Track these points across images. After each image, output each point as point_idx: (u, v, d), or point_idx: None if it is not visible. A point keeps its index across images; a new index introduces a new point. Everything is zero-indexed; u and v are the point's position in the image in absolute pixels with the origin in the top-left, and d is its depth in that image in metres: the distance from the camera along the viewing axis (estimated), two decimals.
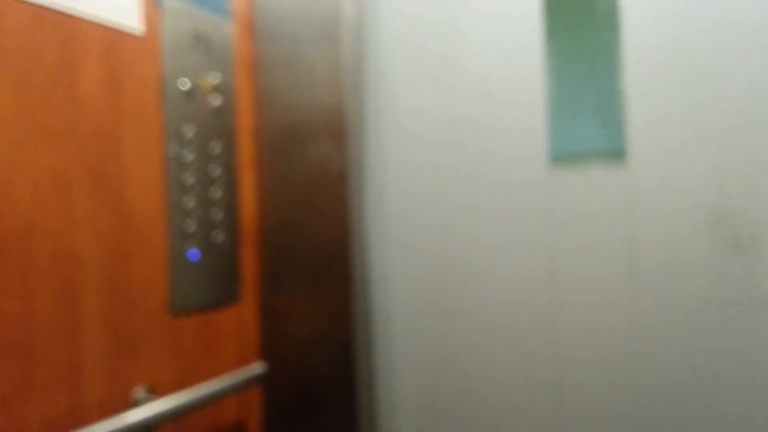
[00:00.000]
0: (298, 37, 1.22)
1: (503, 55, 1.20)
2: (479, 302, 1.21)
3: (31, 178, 0.83)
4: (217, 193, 1.13)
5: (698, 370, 1.06)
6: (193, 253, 1.08)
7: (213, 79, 1.13)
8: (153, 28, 1.02)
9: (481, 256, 1.21)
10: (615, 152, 1.12)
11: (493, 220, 1.20)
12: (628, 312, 1.11)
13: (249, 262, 1.21)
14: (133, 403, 0.96)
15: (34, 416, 0.82)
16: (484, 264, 1.21)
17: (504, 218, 1.19)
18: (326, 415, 1.19)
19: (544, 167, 1.16)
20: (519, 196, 1.18)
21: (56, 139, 0.87)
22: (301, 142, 1.21)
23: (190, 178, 1.08)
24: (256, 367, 1.14)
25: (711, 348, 1.05)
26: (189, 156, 1.08)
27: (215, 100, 1.14)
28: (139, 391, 0.97)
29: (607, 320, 1.12)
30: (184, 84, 1.07)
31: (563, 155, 1.15)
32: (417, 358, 1.26)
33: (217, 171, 1.13)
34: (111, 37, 0.95)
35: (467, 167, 1.22)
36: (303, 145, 1.21)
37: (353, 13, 1.22)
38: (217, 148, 1.14)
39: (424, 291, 1.25)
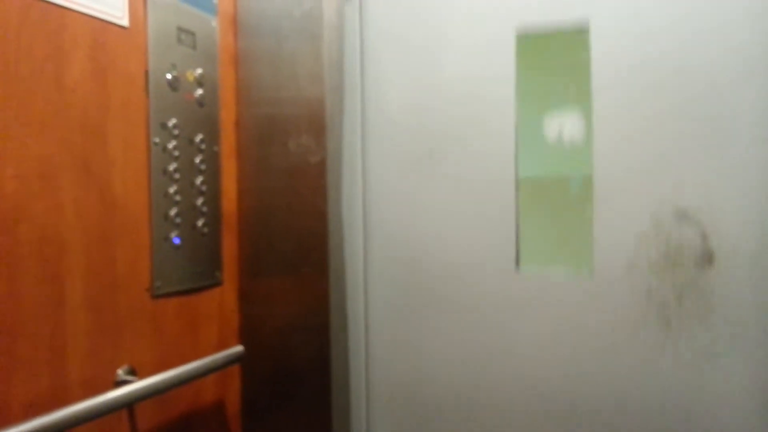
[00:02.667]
0: (281, 33, 1.21)
1: (479, 55, 1.20)
2: (452, 290, 1.22)
3: (18, 166, 0.82)
4: (199, 181, 1.12)
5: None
6: (175, 239, 1.07)
7: (197, 72, 1.12)
8: (139, 21, 1.01)
9: (455, 247, 1.22)
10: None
11: (465, 214, 1.21)
12: None
13: (229, 248, 1.20)
14: (116, 383, 0.96)
15: (18, 395, 0.81)
16: (458, 254, 1.21)
17: (475, 215, 1.20)
18: (302, 395, 1.19)
19: (512, 166, 1.17)
20: (490, 193, 1.19)
21: (43, 128, 0.85)
22: (281, 133, 1.21)
23: (173, 167, 1.06)
24: (236, 350, 1.14)
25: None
26: (173, 145, 1.06)
27: (199, 92, 1.12)
28: (121, 372, 0.97)
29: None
30: (169, 76, 1.06)
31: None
32: (390, 342, 1.27)
33: (199, 160, 1.12)
34: (98, 28, 0.93)
35: (443, 160, 1.22)
36: (283, 137, 1.20)
37: (334, 10, 1.21)
38: (200, 138, 1.12)
39: (398, 278, 1.26)
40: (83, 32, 0.91)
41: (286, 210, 1.20)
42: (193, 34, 1.12)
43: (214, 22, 1.17)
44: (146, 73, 1.02)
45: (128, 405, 0.95)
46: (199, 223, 1.12)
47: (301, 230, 1.19)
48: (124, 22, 0.98)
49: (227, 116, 1.20)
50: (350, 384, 1.26)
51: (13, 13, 0.81)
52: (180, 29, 1.09)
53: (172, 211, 1.06)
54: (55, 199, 0.87)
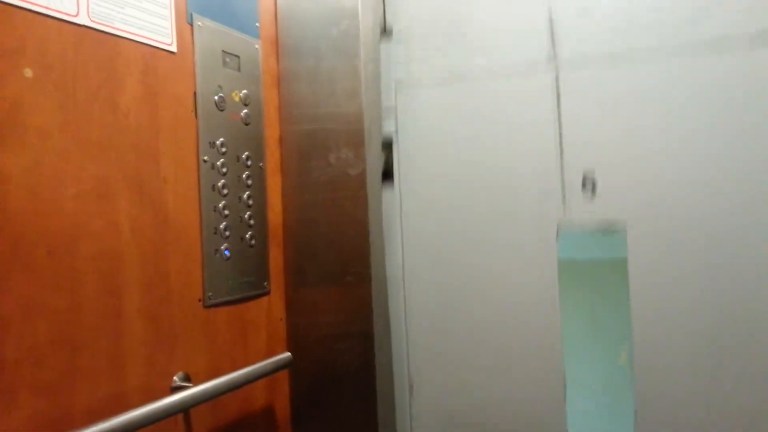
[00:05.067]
0: (319, 52, 1.22)
1: (510, 62, 1.18)
2: (489, 301, 1.20)
3: (77, 187, 0.83)
4: (246, 196, 1.13)
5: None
6: (225, 251, 1.07)
7: (242, 92, 1.13)
8: (186, 46, 1.02)
9: (493, 258, 1.20)
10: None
11: (505, 224, 1.18)
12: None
13: (276, 259, 1.21)
14: (172, 389, 0.96)
15: (80, 403, 0.82)
16: (495, 265, 1.19)
17: (516, 224, 1.17)
18: (347, 400, 1.18)
19: (553, 175, 1.14)
20: (530, 202, 1.16)
21: (99, 150, 0.87)
22: (322, 148, 1.21)
23: (222, 183, 1.07)
24: (284, 356, 1.14)
25: None
26: (221, 163, 1.08)
27: (244, 112, 1.13)
28: (177, 378, 0.97)
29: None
30: (216, 97, 1.07)
31: None
32: (432, 349, 1.25)
33: (246, 176, 1.13)
34: (148, 55, 0.95)
35: (481, 172, 1.21)
36: (324, 151, 1.21)
37: (370, 29, 1.21)
38: (246, 155, 1.13)
39: (437, 288, 1.24)
40: (135, 59, 0.93)
41: (328, 221, 1.20)
42: (237, 56, 1.13)
43: (257, 45, 1.18)
44: (194, 95, 1.03)
45: (184, 410, 0.96)
46: (247, 235, 1.13)
47: (343, 240, 1.19)
48: (173, 48, 1.00)
49: (271, 133, 1.21)
50: (394, 390, 1.25)
51: (69, 43, 0.83)
52: (225, 53, 1.10)
53: (222, 225, 1.07)
54: (112, 216, 0.88)
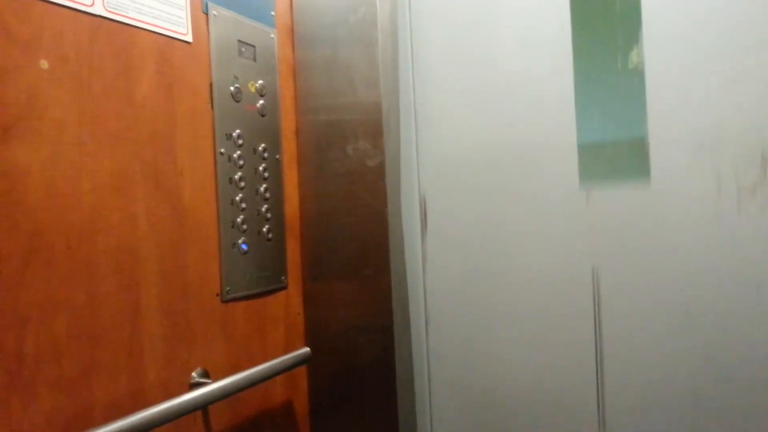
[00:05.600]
0: (336, 41, 1.19)
1: (534, 52, 1.15)
2: (513, 292, 1.18)
3: (93, 178, 0.82)
4: (263, 188, 1.12)
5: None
6: (243, 245, 1.06)
7: (258, 83, 1.11)
8: (202, 36, 1.01)
9: (516, 248, 1.17)
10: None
11: (529, 213, 1.16)
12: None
13: (293, 253, 1.19)
14: (191, 385, 0.95)
15: (99, 398, 0.81)
16: (519, 255, 1.17)
17: (540, 213, 1.15)
18: (368, 395, 1.17)
19: (574, 154, 1.11)
20: (558, 179, 1.14)
21: (116, 141, 0.85)
22: (340, 139, 1.19)
23: (238, 176, 1.06)
24: (302, 351, 1.12)
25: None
26: (237, 155, 1.06)
27: (260, 103, 1.12)
28: (195, 374, 0.96)
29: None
30: (232, 88, 1.06)
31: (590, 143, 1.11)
32: (453, 343, 1.24)
33: (263, 168, 1.12)
34: (164, 45, 0.94)
35: (503, 160, 1.18)
36: (342, 142, 1.19)
37: (387, 16, 1.19)
38: (262, 147, 1.12)
39: (459, 280, 1.22)
40: (150, 49, 0.91)
41: (346, 213, 1.19)
42: (253, 46, 1.11)
43: (273, 34, 1.16)
44: (210, 85, 1.02)
45: (203, 406, 0.95)
46: (264, 229, 1.12)
47: (362, 233, 1.17)
48: (188, 38, 0.98)
49: (287, 125, 1.20)
50: (414, 384, 1.23)
51: (84, 33, 0.82)
52: (241, 42, 1.08)
53: (239, 218, 1.06)
54: (129, 210, 0.87)
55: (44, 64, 0.77)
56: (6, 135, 0.73)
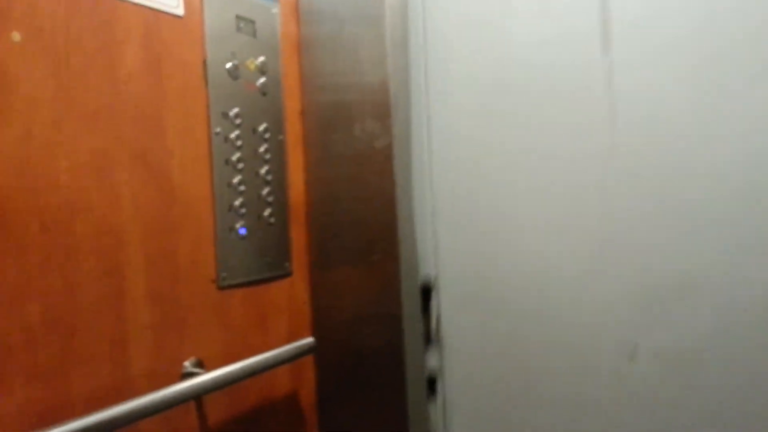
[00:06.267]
0: (342, 16, 1.13)
1: (550, 20, 1.07)
2: (528, 276, 1.10)
3: (71, 159, 0.78)
4: (264, 171, 1.07)
5: None
6: (241, 230, 1.01)
7: (258, 60, 1.06)
8: (195, 9, 0.96)
9: (531, 230, 1.10)
10: None
11: (543, 194, 1.08)
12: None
13: (298, 239, 1.14)
14: (182, 376, 0.91)
15: (78, 389, 0.78)
16: (533, 238, 1.09)
17: (555, 192, 1.07)
18: (375, 386, 1.11)
19: (601, 134, 1.03)
20: (573, 168, 1.05)
21: (96, 120, 0.81)
22: (346, 120, 1.13)
23: (236, 157, 1.01)
24: (306, 341, 1.07)
25: None
26: (235, 135, 1.01)
27: (261, 81, 1.07)
28: (188, 364, 0.92)
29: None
30: (229, 65, 1.01)
31: None
32: (464, 330, 1.16)
33: (264, 150, 1.07)
34: (151, 19, 0.89)
35: (516, 138, 1.10)
36: (348, 123, 1.13)
37: None
38: (264, 127, 1.07)
39: (470, 264, 1.15)
40: (136, 23, 0.87)
41: (353, 197, 1.13)
42: (252, 21, 1.06)
43: (275, 9, 1.11)
44: (204, 62, 0.97)
45: (195, 397, 0.91)
46: (266, 213, 1.07)
47: (370, 217, 1.11)
48: (179, 11, 0.93)
49: (291, 104, 1.14)
50: (425, 373, 1.17)
51: (61, 4, 0.78)
52: (239, 17, 1.03)
53: (237, 202, 1.01)
54: (112, 191, 0.83)
55: (16, 36, 0.73)
56: None
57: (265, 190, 1.07)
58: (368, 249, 1.12)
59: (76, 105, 0.79)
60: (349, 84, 1.13)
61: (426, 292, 1.17)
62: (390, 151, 1.10)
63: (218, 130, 0.98)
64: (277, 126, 1.10)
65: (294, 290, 1.12)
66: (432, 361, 1.17)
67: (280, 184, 1.10)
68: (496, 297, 1.12)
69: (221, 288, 0.98)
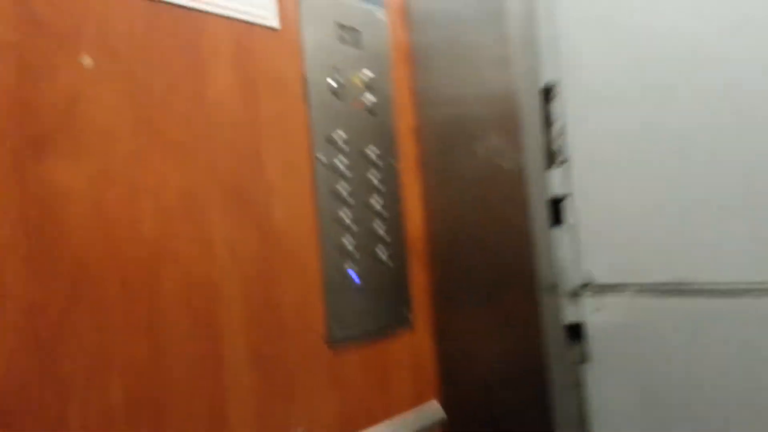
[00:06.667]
0: (458, 19, 0.97)
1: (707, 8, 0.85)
2: (702, 321, 0.87)
3: (155, 200, 0.66)
4: (376, 202, 0.91)
5: None
6: (353, 274, 0.86)
7: (365, 74, 0.92)
8: (291, 20, 0.83)
9: (700, 258, 0.87)
10: None
11: (706, 216, 0.86)
12: None
13: (419, 281, 0.97)
14: None
15: None
16: (704, 266, 0.87)
17: (722, 216, 0.84)
18: None
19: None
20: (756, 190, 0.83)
21: (183, 153, 0.69)
22: (467, 137, 0.96)
23: (343, 187, 0.86)
24: (434, 405, 0.90)
25: None
26: (342, 163, 0.87)
27: (368, 98, 0.92)
28: None
29: None
30: (332, 81, 0.87)
31: None
32: (625, 389, 0.94)
33: (374, 177, 0.91)
34: (243, 33, 0.77)
35: (672, 155, 0.89)
36: (470, 141, 0.96)
37: None
38: (373, 151, 0.92)
39: (628, 302, 0.93)
40: (225, 39, 0.75)
41: (480, 229, 0.95)
42: (356, 30, 0.92)
43: (381, 15, 0.96)
44: (304, 79, 0.83)
45: None
46: (380, 252, 0.91)
47: (502, 251, 0.93)
48: (274, 23, 0.80)
49: (403, 123, 0.99)
50: None
51: (138, 22, 0.66)
52: (341, 26, 0.89)
53: (346, 240, 0.86)
54: (203, 236, 0.70)
55: (87, 60, 0.62)
56: (40, 150, 0.58)
57: (378, 224, 0.91)
58: (501, 289, 0.93)
59: (159, 137, 0.67)
60: (469, 95, 0.96)
61: (574, 334, 0.96)
62: (520, 173, 0.92)
63: (322, 156, 0.84)
64: (389, 148, 0.95)
65: (416, 342, 0.95)
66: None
67: (394, 217, 0.94)
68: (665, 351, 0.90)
69: (333, 345, 0.82)
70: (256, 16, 0.78)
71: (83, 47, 0.62)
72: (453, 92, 0.98)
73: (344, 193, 0.86)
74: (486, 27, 0.95)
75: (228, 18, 0.75)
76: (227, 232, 0.72)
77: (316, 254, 0.82)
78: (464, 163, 0.96)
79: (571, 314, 0.95)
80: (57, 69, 0.60)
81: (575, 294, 0.96)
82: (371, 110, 0.93)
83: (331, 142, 0.86)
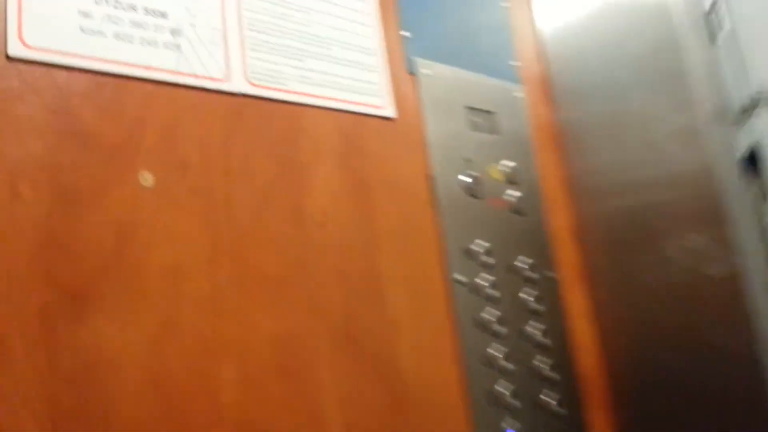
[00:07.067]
0: (619, 83, 0.77)
1: None
2: None
3: (240, 356, 0.48)
4: (536, 329, 0.69)
5: None
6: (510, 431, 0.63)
7: (505, 165, 0.72)
8: (409, 107, 0.66)
9: None
10: None
11: None
12: None
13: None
14: None
15: None
16: None
17: None
18: None
19: None
20: None
21: (276, 290, 0.52)
22: (650, 235, 0.73)
23: (493, 315, 0.65)
24: None
25: None
26: (487, 282, 0.66)
27: (512, 194, 0.72)
28: None
29: None
30: (465, 178, 0.68)
31: None
32: None
33: (531, 296, 0.69)
34: (349, 126, 0.60)
35: None
36: (654, 240, 0.72)
37: (692, 27, 0.73)
38: (523, 262, 0.70)
39: None
40: (327, 133, 0.58)
41: (680, 356, 0.69)
42: (490, 113, 0.74)
43: (518, 92, 0.78)
44: (430, 178, 0.65)
45: None
46: (546, 397, 0.67)
47: (715, 390, 0.66)
48: (388, 112, 0.64)
49: (558, 222, 0.77)
50: None
51: (214, 123, 0.51)
52: (470, 109, 0.72)
53: (500, 386, 0.63)
54: (309, 403, 0.50)
55: (146, 177, 0.47)
56: (79, 306, 0.42)
57: (540, 361, 0.68)
58: None
59: (244, 271, 0.50)
60: (646, 178, 0.74)
61: None
62: (735, 282, 0.66)
63: (460, 276, 0.64)
64: (544, 257, 0.73)
65: None
66: None
67: (560, 346, 0.71)
68: None
69: None
70: (366, 106, 0.62)
71: (142, 161, 0.47)
72: (621, 177, 0.76)
73: (493, 322, 0.65)
74: (660, 90, 0.73)
75: (331, 110, 0.59)
76: (341, 391, 0.52)
77: (461, 410, 0.60)
78: (649, 271, 0.72)
79: None
80: (106, 193, 0.45)
81: None
82: (517, 209, 0.72)
83: (470, 255, 0.65)
